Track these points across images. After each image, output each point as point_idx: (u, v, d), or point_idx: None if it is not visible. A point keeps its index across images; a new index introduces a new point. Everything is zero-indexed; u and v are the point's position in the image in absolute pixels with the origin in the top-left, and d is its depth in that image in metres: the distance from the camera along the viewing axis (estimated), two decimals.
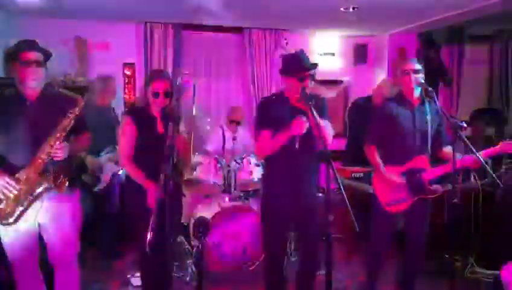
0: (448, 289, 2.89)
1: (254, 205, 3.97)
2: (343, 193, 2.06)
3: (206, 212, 3.80)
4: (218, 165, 4.14)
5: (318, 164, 2.83)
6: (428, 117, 2.91)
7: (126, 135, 2.73)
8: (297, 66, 2.68)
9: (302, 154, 2.68)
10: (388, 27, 6.12)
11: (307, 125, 2.54)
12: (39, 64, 2.44)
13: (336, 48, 6.52)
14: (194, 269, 3.68)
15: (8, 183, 2.35)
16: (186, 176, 3.96)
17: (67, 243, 2.61)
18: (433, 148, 2.98)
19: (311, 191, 2.85)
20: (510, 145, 2.81)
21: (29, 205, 2.41)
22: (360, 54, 6.60)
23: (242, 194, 4.15)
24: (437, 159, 3.00)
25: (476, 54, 6.64)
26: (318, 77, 6.16)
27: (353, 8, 4.83)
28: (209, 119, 4.83)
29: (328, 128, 2.62)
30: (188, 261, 3.75)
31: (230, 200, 4.02)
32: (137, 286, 3.47)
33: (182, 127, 2.85)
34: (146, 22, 5.63)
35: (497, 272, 2.99)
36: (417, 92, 2.93)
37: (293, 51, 2.80)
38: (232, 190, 4.15)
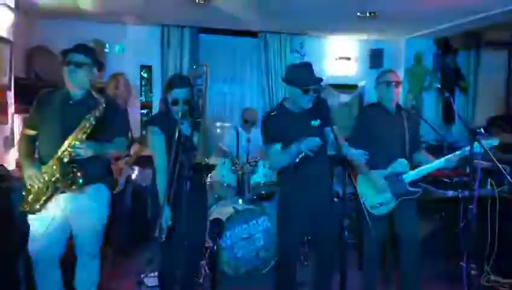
0: None
1: (267, 208, 3.98)
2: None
3: (220, 214, 3.82)
4: (233, 168, 4.16)
5: (332, 169, 2.85)
6: (405, 123, 3.10)
7: (158, 147, 2.72)
8: (302, 79, 2.75)
9: (316, 158, 2.68)
10: (405, 32, 6.09)
11: (319, 144, 2.59)
12: (80, 66, 2.53)
13: (351, 52, 6.50)
14: (207, 270, 3.70)
15: (34, 175, 2.51)
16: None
17: (95, 235, 2.73)
18: (410, 152, 3.14)
19: (327, 195, 2.88)
20: None
21: (52, 196, 2.54)
22: (376, 59, 6.56)
23: (255, 197, 4.16)
24: (412, 162, 3.18)
25: (493, 59, 6.57)
26: (334, 81, 6.20)
27: (370, 13, 4.84)
28: (219, 124, 4.82)
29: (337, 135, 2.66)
30: (201, 263, 3.76)
31: (243, 202, 4.04)
32: (151, 286, 3.51)
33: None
34: (163, 25, 5.71)
35: None
36: (394, 102, 3.12)
37: (304, 58, 2.84)
38: (246, 192, 4.16)
